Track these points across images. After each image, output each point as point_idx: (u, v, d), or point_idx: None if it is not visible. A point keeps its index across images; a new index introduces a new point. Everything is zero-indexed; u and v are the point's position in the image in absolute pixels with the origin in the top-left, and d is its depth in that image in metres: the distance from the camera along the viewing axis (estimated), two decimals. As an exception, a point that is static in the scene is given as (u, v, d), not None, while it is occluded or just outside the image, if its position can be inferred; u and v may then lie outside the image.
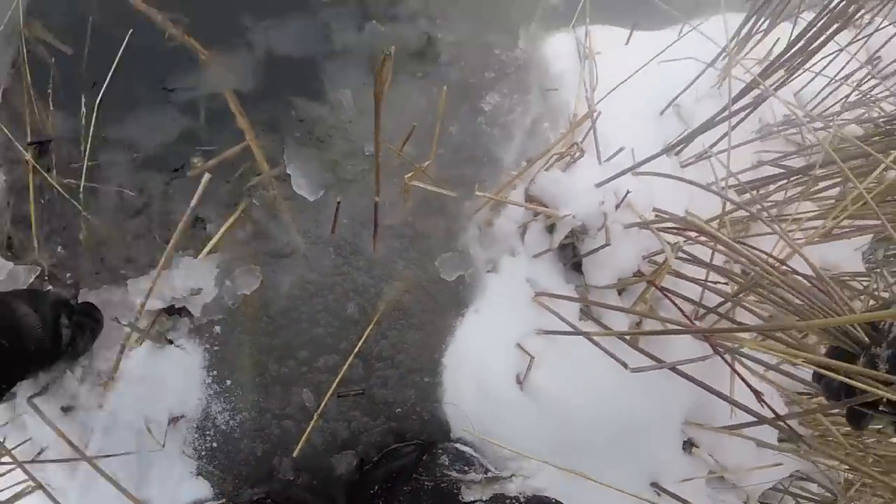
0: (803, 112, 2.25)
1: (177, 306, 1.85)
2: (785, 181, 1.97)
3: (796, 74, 2.03)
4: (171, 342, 1.84)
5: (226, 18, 2.10)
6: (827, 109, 2.37)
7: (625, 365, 1.56)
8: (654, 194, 1.77)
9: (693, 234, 1.63)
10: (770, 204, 1.99)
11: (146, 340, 1.82)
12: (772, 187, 2.02)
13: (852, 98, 2.38)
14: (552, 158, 1.81)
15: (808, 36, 1.86)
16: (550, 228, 1.84)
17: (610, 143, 1.92)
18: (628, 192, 1.69)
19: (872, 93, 2.34)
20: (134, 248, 1.91)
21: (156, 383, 1.81)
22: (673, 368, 1.56)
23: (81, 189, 1.90)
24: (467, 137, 1.99)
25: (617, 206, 1.72)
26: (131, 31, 2.02)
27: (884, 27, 2.38)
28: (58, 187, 1.90)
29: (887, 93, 2.33)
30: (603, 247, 1.71)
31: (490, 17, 2.19)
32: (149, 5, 2.13)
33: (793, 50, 1.92)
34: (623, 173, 1.70)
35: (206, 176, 1.50)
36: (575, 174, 1.79)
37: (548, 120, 2.06)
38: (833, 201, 1.99)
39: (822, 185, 1.90)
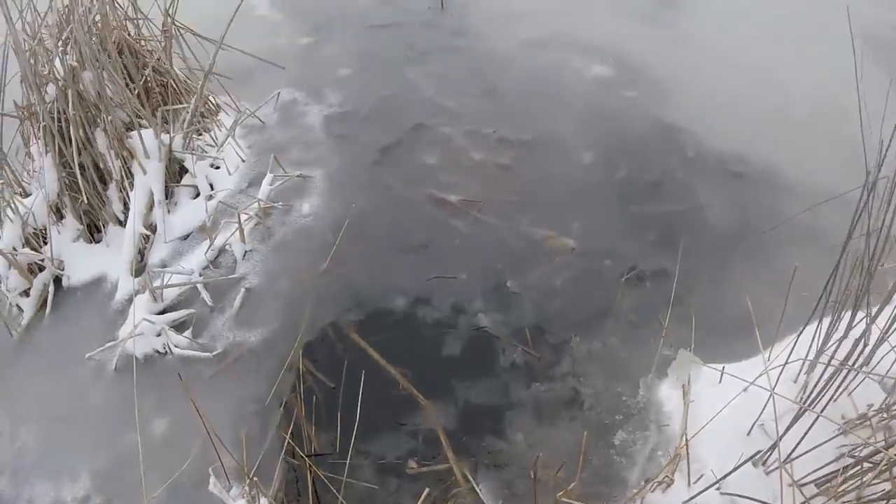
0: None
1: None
2: (858, 468, 2.28)
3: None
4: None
5: (439, 378, 3.22)
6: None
7: None
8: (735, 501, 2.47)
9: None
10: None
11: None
12: (840, 478, 2.37)
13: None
14: (654, 484, 2.65)
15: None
16: (656, 528, 2.63)
17: (706, 462, 2.69)
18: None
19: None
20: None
21: None
22: None
23: (343, 484, 2.78)
24: (602, 465, 2.83)
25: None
26: (365, 372, 2.92)
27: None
28: (326, 482, 2.82)
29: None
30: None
31: (618, 373, 3.15)
32: (387, 361, 3.32)
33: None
34: (700, 493, 2.47)
35: (426, 490, 2.48)
36: (671, 494, 2.59)
37: (661, 449, 2.85)
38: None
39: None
